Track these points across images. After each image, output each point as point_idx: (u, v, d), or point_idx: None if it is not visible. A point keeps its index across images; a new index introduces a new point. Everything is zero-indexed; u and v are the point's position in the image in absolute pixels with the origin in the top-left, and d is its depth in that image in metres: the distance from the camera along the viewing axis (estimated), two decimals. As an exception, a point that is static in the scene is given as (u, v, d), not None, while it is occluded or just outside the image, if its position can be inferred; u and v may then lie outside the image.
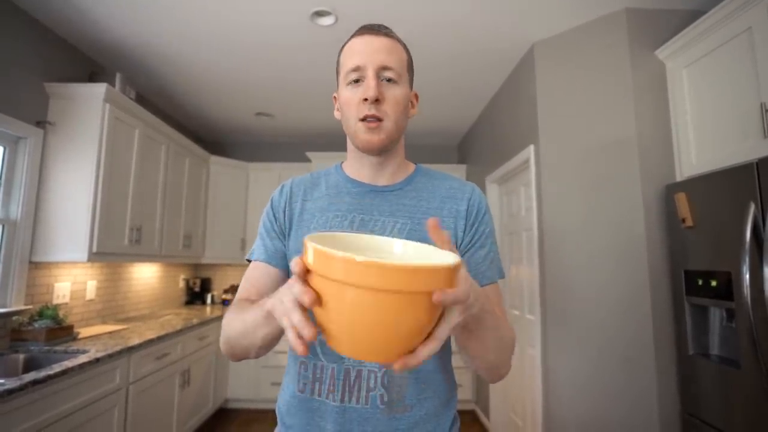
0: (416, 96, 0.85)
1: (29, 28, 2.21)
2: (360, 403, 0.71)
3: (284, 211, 0.84)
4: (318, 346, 0.75)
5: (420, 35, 2.40)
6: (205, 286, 4.22)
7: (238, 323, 0.69)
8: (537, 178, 2.39)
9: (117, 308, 2.98)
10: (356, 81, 0.76)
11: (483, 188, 3.45)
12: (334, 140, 4.56)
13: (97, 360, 1.87)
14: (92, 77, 2.51)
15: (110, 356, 1.96)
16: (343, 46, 0.81)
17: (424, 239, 0.70)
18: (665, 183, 2.01)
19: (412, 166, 0.88)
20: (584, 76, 2.25)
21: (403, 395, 0.72)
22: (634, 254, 2.02)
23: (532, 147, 2.45)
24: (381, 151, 0.79)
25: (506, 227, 3.13)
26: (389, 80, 0.76)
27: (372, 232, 0.75)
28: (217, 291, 4.35)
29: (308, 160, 4.28)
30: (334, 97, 0.85)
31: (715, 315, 1.76)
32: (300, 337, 0.47)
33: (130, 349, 2.13)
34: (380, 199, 0.81)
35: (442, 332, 0.47)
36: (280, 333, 0.64)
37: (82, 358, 1.83)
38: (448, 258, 0.49)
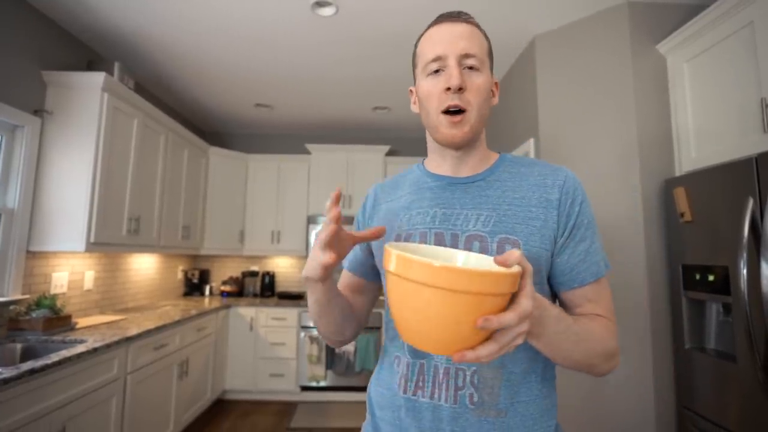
0: (497, 84, 0.80)
1: (26, 16, 2.18)
2: (449, 401, 0.69)
3: (368, 217, 0.87)
4: (405, 342, 0.74)
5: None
6: (204, 277, 4.21)
7: (312, 306, 0.76)
8: (536, 172, 2.38)
9: (115, 299, 2.97)
10: (437, 71, 0.73)
11: None
12: (334, 132, 4.54)
13: (95, 350, 1.87)
14: (90, 66, 2.48)
15: (108, 346, 1.96)
16: (420, 37, 0.79)
17: (510, 232, 0.70)
18: (665, 177, 2.01)
19: (495, 156, 0.82)
20: (585, 70, 2.24)
21: (496, 398, 0.69)
22: (632, 248, 2.02)
23: (532, 140, 2.44)
24: (464, 145, 0.75)
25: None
26: (471, 68, 0.72)
27: (455, 226, 0.73)
28: (215, 282, 4.35)
29: (308, 152, 4.26)
30: (411, 90, 0.83)
31: (712, 309, 1.76)
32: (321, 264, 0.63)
33: (128, 339, 2.13)
34: (461, 191, 0.77)
35: (503, 337, 0.52)
36: (343, 300, 0.78)
37: (80, 348, 1.83)
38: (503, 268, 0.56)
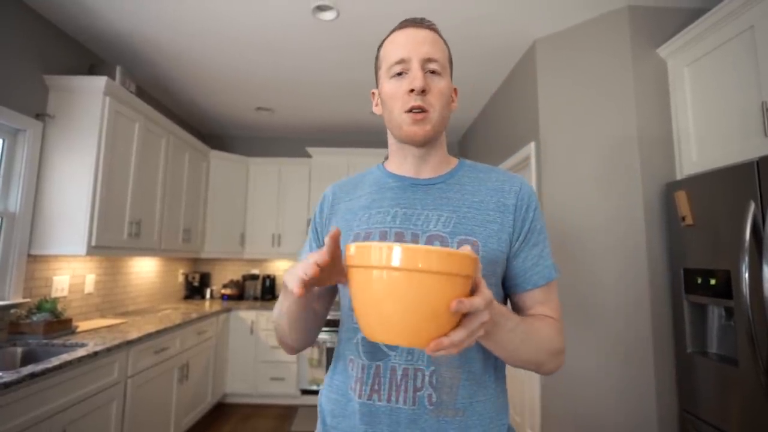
0: (456, 90, 0.84)
1: (28, 20, 2.19)
2: (407, 403, 0.69)
3: (326, 217, 0.85)
4: (360, 345, 0.74)
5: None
6: (204, 280, 4.22)
7: (276, 307, 0.79)
8: (537, 176, 2.39)
9: (116, 302, 2.97)
10: (400, 73, 0.76)
11: None
12: (334, 136, 4.55)
13: (96, 354, 1.86)
14: (92, 70, 2.49)
15: (108, 350, 1.96)
16: (383, 41, 0.81)
17: (469, 233, 0.73)
18: (666, 181, 2.01)
19: (455, 160, 0.85)
20: (586, 73, 2.24)
21: (454, 397, 0.69)
22: (634, 252, 2.02)
23: (533, 144, 2.44)
24: (426, 143, 0.78)
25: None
26: (433, 72, 0.75)
27: (415, 225, 0.75)
28: (216, 286, 4.34)
29: (308, 156, 4.27)
30: (372, 93, 0.85)
31: (714, 313, 1.76)
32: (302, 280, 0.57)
33: (129, 343, 2.13)
34: (423, 192, 0.79)
35: (470, 323, 0.53)
36: (306, 313, 0.75)
37: (81, 352, 1.82)
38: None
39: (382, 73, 0.79)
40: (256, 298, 4.18)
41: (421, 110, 0.74)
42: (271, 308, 3.68)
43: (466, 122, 4.04)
